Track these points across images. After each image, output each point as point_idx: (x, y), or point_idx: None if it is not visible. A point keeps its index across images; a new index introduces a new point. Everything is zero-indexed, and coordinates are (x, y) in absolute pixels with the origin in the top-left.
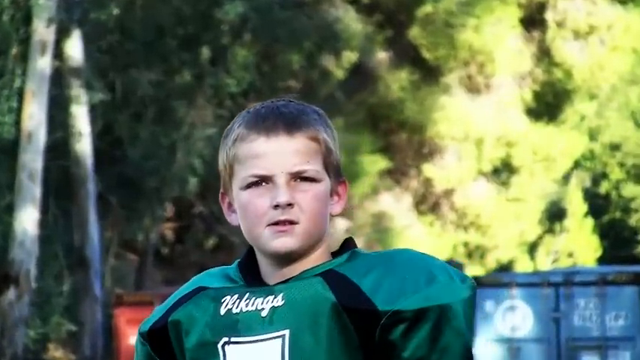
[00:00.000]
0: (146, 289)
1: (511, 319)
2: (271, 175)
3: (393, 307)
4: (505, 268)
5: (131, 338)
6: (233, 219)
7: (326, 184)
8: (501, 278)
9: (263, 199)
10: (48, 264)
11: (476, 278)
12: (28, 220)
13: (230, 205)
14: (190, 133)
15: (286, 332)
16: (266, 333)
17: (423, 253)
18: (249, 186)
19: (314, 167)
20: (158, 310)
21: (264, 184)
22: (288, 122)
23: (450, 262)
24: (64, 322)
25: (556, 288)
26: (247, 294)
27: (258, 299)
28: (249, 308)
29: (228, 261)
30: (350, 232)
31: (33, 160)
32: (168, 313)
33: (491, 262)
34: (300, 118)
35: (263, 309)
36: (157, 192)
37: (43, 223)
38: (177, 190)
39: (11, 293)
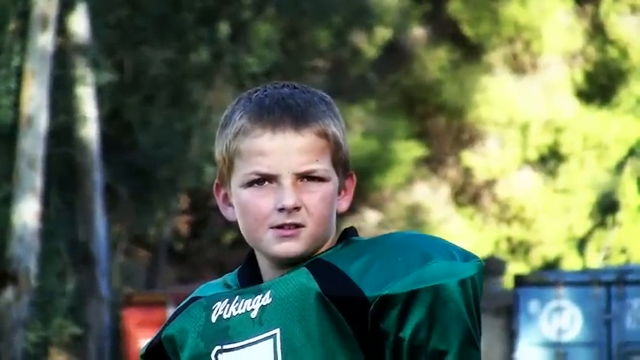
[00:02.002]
0: (158, 288)
1: (558, 321)
2: (276, 174)
3: (380, 292)
4: (551, 265)
5: (141, 342)
6: (229, 213)
7: (334, 182)
8: (547, 277)
9: (266, 199)
10: (50, 261)
11: (520, 276)
12: (27, 212)
13: (226, 197)
14: (207, 117)
15: (277, 331)
16: (257, 335)
17: (423, 234)
18: (250, 184)
19: (323, 166)
20: (159, 330)
21: (267, 183)
22: (296, 117)
23: (492, 258)
24: (68, 325)
25: (607, 287)
26: (237, 297)
27: (247, 300)
28: (239, 311)
29: None
30: (382, 225)
31: (33, 146)
32: (163, 329)
33: (537, 258)
34: (308, 111)
35: (253, 310)
36: (170, 182)
37: (45, 217)
38: (192, 180)
39: (9, 293)
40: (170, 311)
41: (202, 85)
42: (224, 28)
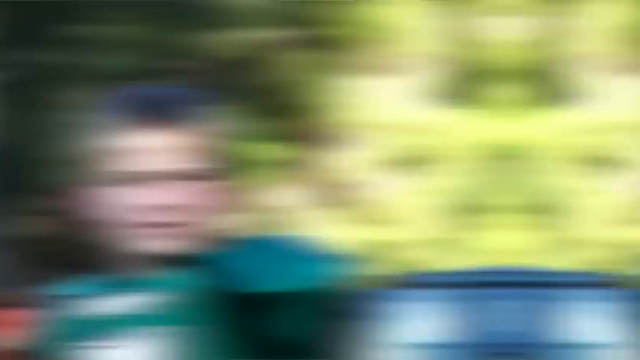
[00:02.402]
0: (18, 289)
1: (424, 323)
2: (150, 172)
3: (259, 290)
4: (417, 267)
5: (2, 344)
6: (93, 214)
7: (210, 180)
8: (413, 278)
9: (137, 198)
10: None
11: (385, 278)
12: None
13: (93, 196)
14: (68, 117)
15: (159, 330)
16: (137, 332)
17: (296, 235)
18: (120, 182)
19: (196, 164)
20: (28, 331)
21: (140, 181)
22: (168, 114)
23: (358, 260)
24: None
25: (473, 289)
26: (113, 293)
27: (124, 298)
28: (119, 309)
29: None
30: (246, 227)
31: None
32: (34, 330)
33: (403, 260)
34: (182, 109)
35: (133, 307)
36: (32, 183)
37: None
38: (52, 181)
39: None
40: (35, 312)
41: (62, 85)
42: (80, 28)
